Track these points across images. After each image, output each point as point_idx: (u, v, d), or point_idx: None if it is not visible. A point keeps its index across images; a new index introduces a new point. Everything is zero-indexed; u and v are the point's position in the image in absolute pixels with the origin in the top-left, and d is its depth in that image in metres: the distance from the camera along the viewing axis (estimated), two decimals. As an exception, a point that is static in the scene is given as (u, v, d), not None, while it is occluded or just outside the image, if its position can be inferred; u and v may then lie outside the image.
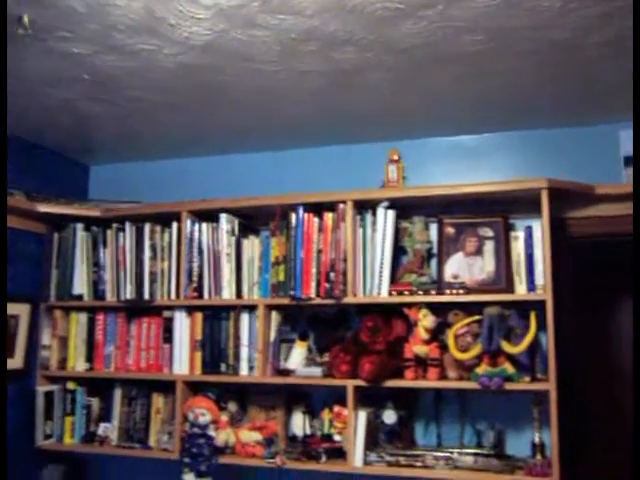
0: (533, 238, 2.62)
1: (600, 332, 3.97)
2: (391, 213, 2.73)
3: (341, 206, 2.74)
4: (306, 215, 2.79)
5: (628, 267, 3.76)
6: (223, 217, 2.92)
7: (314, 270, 2.75)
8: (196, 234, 2.94)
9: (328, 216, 2.77)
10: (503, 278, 2.63)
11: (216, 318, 2.90)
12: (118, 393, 3.05)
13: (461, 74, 2.37)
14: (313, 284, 2.75)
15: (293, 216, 2.80)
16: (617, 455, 3.85)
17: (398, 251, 2.82)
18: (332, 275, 2.72)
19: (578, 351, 2.86)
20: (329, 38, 2.09)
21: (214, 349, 2.88)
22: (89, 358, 3.07)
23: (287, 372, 2.80)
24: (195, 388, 2.92)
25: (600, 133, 2.84)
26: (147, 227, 3.00)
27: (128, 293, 2.98)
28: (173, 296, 2.94)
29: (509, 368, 2.51)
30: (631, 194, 2.63)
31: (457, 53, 2.19)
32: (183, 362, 2.91)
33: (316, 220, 2.79)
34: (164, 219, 3.00)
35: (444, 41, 2.10)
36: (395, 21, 1.98)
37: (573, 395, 2.74)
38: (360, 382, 2.64)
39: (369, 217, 2.74)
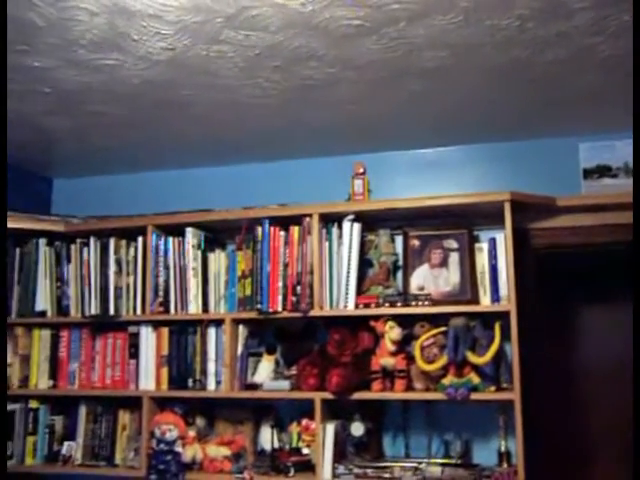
0: (497, 249, 2.65)
1: (565, 340, 4.04)
2: (357, 226, 2.74)
3: (307, 219, 2.74)
4: (272, 229, 2.79)
5: (589, 276, 3.87)
6: (189, 231, 2.91)
7: (280, 284, 2.75)
8: (162, 248, 2.91)
9: (294, 229, 2.77)
10: (468, 289, 2.67)
11: (183, 333, 2.88)
12: (83, 410, 2.99)
13: (423, 89, 2.41)
14: (280, 298, 2.75)
15: (259, 230, 2.80)
16: (583, 462, 3.92)
17: (364, 263, 2.83)
18: (298, 288, 2.72)
19: (543, 359, 2.90)
20: (293, 54, 2.11)
21: (181, 364, 2.86)
22: (52, 375, 3.02)
23: (255, 386, 2.80)
24: (162, 404, 2.89)
25: (560, 146, 2.90)
26: (112, 242, 2.96)
27: (93, 309, 2.94)
28: (139, 311, 2.91)
29: (474, 378, 2.53)
30: (590, 206, 2.73)
31: (419, 69, 2.23)
32: (149, 378, 2.88)
33: (282, 234, 2.79)
34: (129, 233, 2.97)
35: (406, 57, 2.13)
36: (358, 38, 2.00)
37: (538, 403, 2.78)
38: (328, 395, 2.64)
39: (335, 230, 2.75)
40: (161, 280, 2.89)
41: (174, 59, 2.13)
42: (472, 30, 1.95)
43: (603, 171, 2.82)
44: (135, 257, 2.96)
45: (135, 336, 2.93)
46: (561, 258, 3.33)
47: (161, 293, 2.89)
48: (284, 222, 2.79)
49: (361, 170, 2.94)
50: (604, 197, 2.74)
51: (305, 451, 2.73)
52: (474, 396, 2.52)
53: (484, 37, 2.00)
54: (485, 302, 2.65)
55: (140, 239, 2.95)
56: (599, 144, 2.85)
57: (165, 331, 2.89)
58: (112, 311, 2.92)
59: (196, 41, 2.02)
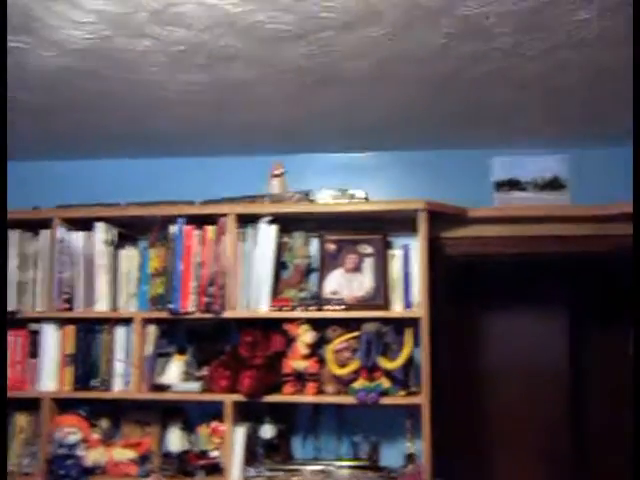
0: (410, 256, 2.71)
1: (474, 346, 4.19)
2: (273, 227, 2.73)
3: (223, 219, 2.71)
4: (186, 227, 2.73)
5: (497, 284, 4.03)
6: (99, 226, 2.80)
7: (193, 283, 2.70)
8: (69, 243, 2.79)
9: (209, 229, 2.73)
10: (381, 295, 2.71)
11: (89, 331, 2.78)
12: (-25, 412, 2.83)
13: (347, 96, 2.42)
14: (192, 297, 2.70)
15: (173, 228, 2.74)
16: (488, 463, 4.09)
17: (279, 266, 2.82)
18: (212, 289, 2.69)
19: (452, 365, 2.99)
20: (218, 53, 2.06)
21: (86, 364, 2.76)
22: (-59, 374, 2.83)
23: (164, 387, 2.74)
24: (64, 405, 2.77)
25: (474, 158, 2.99)
26: (15, 234, 2.80)
27: (-9, 304, 2.78)
28: (42, 308, 2.78)
29: (385, 382, 2.58)
30: (500, 217, 2.83)
31: (344, 77, 2.23)
32: (51, 378, 2.76)
33: (197, 232, 2.74)
34: (34, 226, 2.83)
35: (332, 64, 2.13)
36: (285, 42, 1.98)
37: (446, 405, 2.87)
38: (239, 397, 2.62)
39: (251, 231, 2.74)
40: (67, 276, 2.77)
41: (94, 49, 2.03)
42: (399, 44, 1.97)
43: (513, 185, 2.94)
44: (40, 251, 2.82)
45: (36, 334, 2.80)
46: (471, 267, 3.45)
47: (66, 289, 2.77)
48: (199, 221, 2.74)
49: (279, 171, 2.92)
50: (513, 209, 2.86)
51: (214, 454, 2.69)
52: (384, 400, 2.57)
53: (410, 51, 2.03)
54: (397, 308, 2.71)
55: (46, 232, 2.81)
56: (511, 158, 2.97)
57: (71, 329, 2.78)
58: (13, 307, 2.77)
59: (118, 33, 1.93)
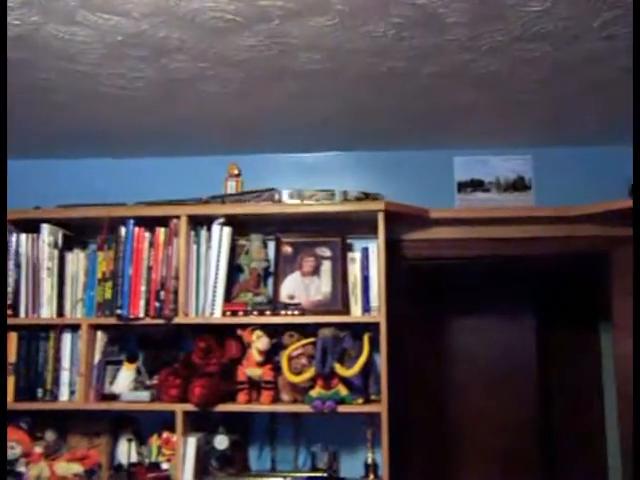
0: (369, 259, 2.62)
1: (435, 351, 4.10)
2: (227, 230, 2.62)
3: (174, 221, 2.59)
4: (136, 229, 2.62)
5: (459, 287, 3.97)
6: (45, 228, 2.67)
7: (143, 288, 2.59)
8: (13, 245, 2.66)
9: (160, 231, 2.61)
10: (339, 299, 2.61)
11: (33, 338, 2.65)
12: None
13: (299, 91, 2.31)
14: (142, 303, 2.58)
15: (122, 230, 2.62)
16: (450, 473, 4.02)
17: (234, 269, 2.72)
18: (162, 294, 2.57)
19: (413, 371, 2.90)
20: (160, 44, 1.95)
21: (30, 373, 2.63)
22: None
23: (113, 396, 2.62)
24: (6, 418, 2.62)
25: (436, 158, 2.91)
26: (-46, 236, 2.67)
27: None
28: (-17, 314, 2.64)
29: (342, 390, 2.48)
30: (462, 219, 2.75)
31: (294, 70, 2.13)
32: (-8, 388, 2.62)
33: (147, 235, 2.62)
34: (-25, 228, 2.69)
35: (281, 57, 2.03)
36: (229, 33, 1.87)
37: (407, 413, 2.78)
38: (190, 407, 2.51)
39: (204, 233, 2.63)
40: (10, 280, 2.64)
41: (23, 37, 1.89)
42: (348, 35, 1.88)
43: (476, 185, 2.86)
44: (-18, 254, 2.68)
45: (-22, 342, 2.66)
46: (433, 269, 3.37)
47: (10, 294, 2.63)
48: (150, 223, 2.62)
49: (235, 171, 2.83)
50: (475, 211, 2.78)
51: (164, 466, 2.58)
52: (342, 408, 2.47)
53: (360, 43, 1.93)
54: (356, 313, 2.61)
55: (-12, 234, 2.68)
56: (473, 158, 2.88)
57: (13, 336, 2.64)
58: (-48, 314, 2.63)
59: (47, 19, 1.80)
